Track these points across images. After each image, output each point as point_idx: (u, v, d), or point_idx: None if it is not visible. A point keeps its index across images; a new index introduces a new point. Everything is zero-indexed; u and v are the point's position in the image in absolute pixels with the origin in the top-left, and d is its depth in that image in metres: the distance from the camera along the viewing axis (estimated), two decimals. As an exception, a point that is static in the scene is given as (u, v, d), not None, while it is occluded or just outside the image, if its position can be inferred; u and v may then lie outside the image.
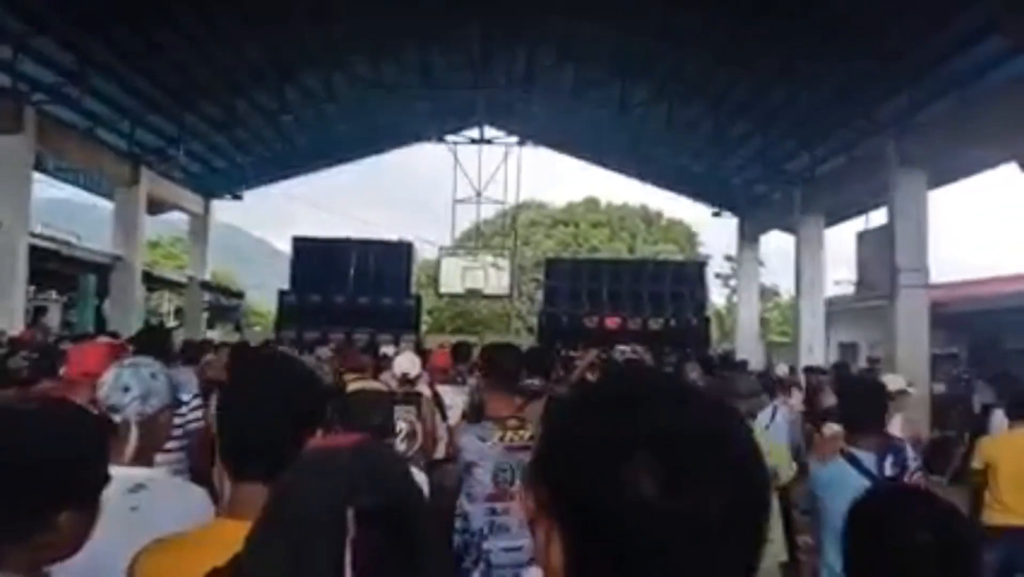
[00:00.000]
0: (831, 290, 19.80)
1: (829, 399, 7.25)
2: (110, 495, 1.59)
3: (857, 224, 17.79)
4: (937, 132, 12.72)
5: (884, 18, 11.27)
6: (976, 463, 5.79)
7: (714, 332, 24.46)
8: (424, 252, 28.78)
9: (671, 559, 0.71)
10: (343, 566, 0.89)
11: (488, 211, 26.86)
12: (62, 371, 4.69)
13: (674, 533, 0.71)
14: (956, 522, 1.72)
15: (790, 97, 15.07)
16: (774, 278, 34.35)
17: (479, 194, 23.13)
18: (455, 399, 6.28)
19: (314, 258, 20.93)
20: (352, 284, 20.45)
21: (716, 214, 23.92)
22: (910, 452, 3.78)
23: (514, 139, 23.02)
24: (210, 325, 22.92)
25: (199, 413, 4.33)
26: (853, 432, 3.81)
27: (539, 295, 26.73)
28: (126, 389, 2.21)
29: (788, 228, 19.30)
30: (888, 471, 3.64)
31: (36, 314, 17.92)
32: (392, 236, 24.69)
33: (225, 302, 23.91)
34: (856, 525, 1.75)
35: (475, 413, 5.45)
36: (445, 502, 3.85)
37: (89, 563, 1.56)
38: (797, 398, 8.95)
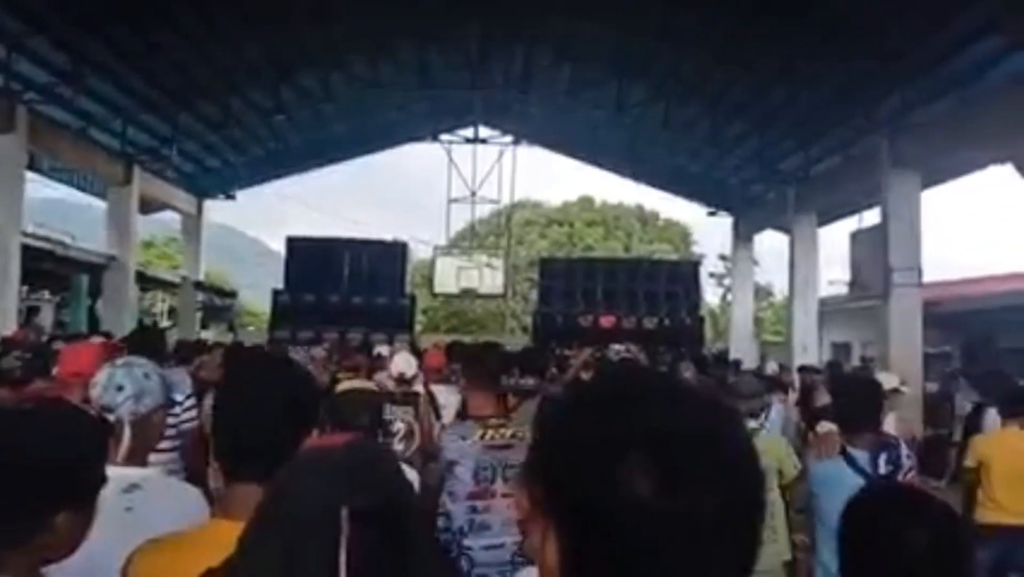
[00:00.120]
0: (825, 290, 19.84)
1: (823, 398, 7.27)
2: (105, 495, 1.59)
3: (851, 224, 17.83)
4: (932, 132, 12.74)
5: (881, 18, 11.27)
6: (969, 461, 5.82)
7: (708, 331, 24.46)
8: (419, 252, 28.80)
9: (666, 558, 0.71)
10: (337, 566, 0.89)
11: (483, 211, 26.87)
12: (55, 371, 4.68)
13: (669, 532, 0.71)
14: (950, 521, 1.73)
15: (787, 97, 15.08)
16: (768, 277, 34.43)
17: (474, 194, 23.12)
18: (449, 398, 6.28)
19: (308, 258, 20.87)
20: (346, 284, 20.39)
21: (712, 214, 23.94)
22: (904, 451, 3.79)
23: (509, 139, 23.03)
24: (204, 325, 22.85)
25: (193, 413, 4.33)
26: (848, 430, 3.81)
27: (533, 294, 26.72)
28: (119, 388, 2.20)
29: (782, 228, 19.32)
30: (882, 469, 3.65)
31: (29, 314, 17.86)
32: (386, 236, 24.68)
33: (219, 302, 23.83)
34: (850, 524, 1.75)
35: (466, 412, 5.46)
36: (428, 501, 3.86)
37: (85, 564, 1.55)
38: (791, 397, 8.98)
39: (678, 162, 22.22)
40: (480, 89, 18.49)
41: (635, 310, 20.51)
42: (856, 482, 3.29)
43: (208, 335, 20.47)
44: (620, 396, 0.79)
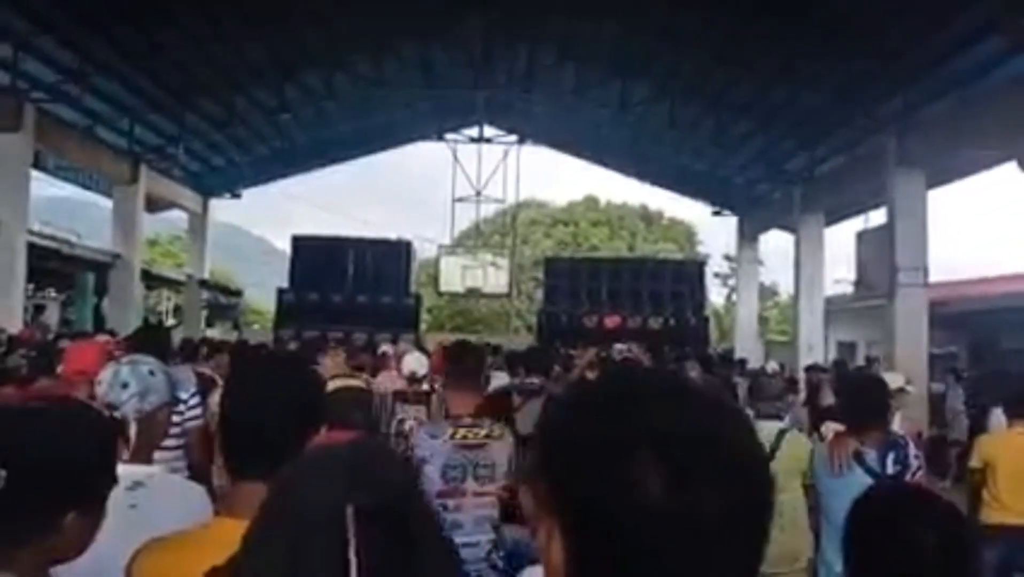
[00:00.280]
0: (830, 289, 19.83)
1: (828, 397, 7.25)
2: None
3: (857, 224, 17.81)
4: (937, 132, 12.72)
5: (884, 18, 11.26)
6: (974, 462, 5.79)
7: (713, 331, 24.45)
8: (424, 251, 28.83)
9: (671, 558, 0.71)
10: (340, 565, 0.89)
11: (488, 210, 26.90)
12: (60, 369, 4.70)
13: (674, 532, 0.71)
14: (956, 522, 1.72)
15: (791, 96, 15.07)
16: (773, 277, 34.40)
17: (478, 193, 23.15)
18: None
19: (313, 257, 20.89)
20: (351, 283, 20.41)
21: (716, 213, 23.92)
22: (912, 450, 3.78)
23: (513, 138, 23.04)
24: (209, 323, 22.91)
25: (197, 411, 4.33)
26: (857, 429, 3.80)
27: (538, 294, 26.73)
28: (124, 386, 2.21)
29: (788, 227, 19.31)
30: (890, 469, 3.64)
31: (35, 312, 17.93)
32: (391, 235, 24.69)
33: (224, 300, 23.89)
34: (856, 524, 1.75)
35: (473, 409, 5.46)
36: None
37: (93, 565, 1.55)
38: (799, 397, 8.98)
39: (682, 161, 22.20)
40: (484, 88, 18.50)
41: (640, 310, 20.51)
42: (865, 481, 3.28)
43: (213, 333, 20.50)
44: (626, 395, 0.79)
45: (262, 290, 34.91)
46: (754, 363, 14.77)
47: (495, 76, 18.49)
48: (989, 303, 17.16)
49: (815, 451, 4.08)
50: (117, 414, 2.15)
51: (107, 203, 18.87)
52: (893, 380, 5.68)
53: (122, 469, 1.74)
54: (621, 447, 0.73)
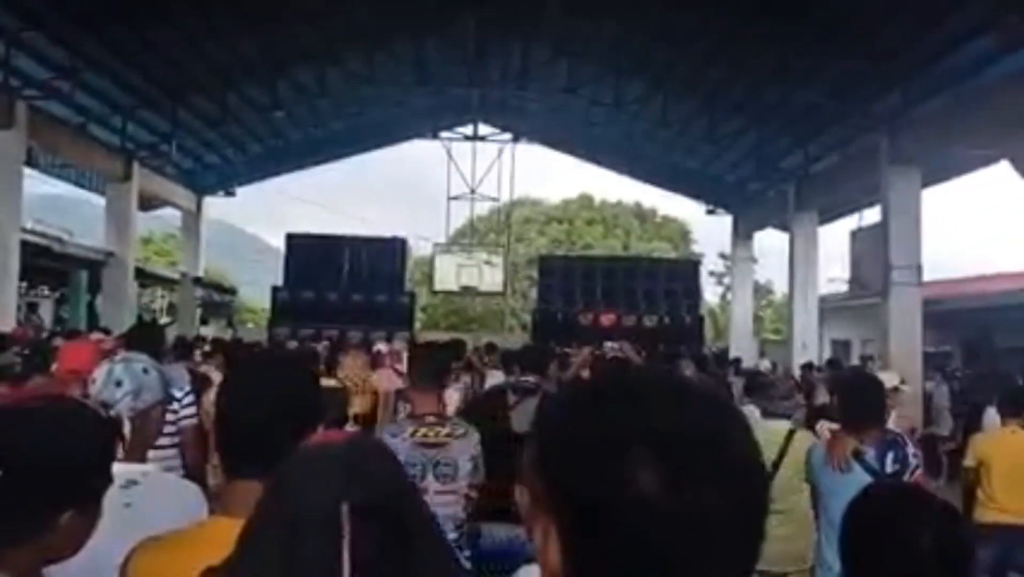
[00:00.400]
0: (825, 288, 19.88)
1: (822, 396, 7.26)
2: (103, 491, 1.58)
3: (851, 222, 17.85)
4: (930, 130, 12.76)
5: (878, 16, 11.30)
6: (968, 461, 5.81)
7: (708, 330, 24.50)
8: (419, 249, 28.81)
9: (668, 555, 0.71)
10: (336, 563, 0.89)
11: (482, 208, 26.90)
12: (54, 367, 4.69)
13: (672, 529, 0.70)
14: (953, 522, 1.72)
15: (784, 95, 15.09)
16: (768, 275, 34.42)
17: (473, 191, 23.15)
18: (452, 396, 6.31)
19: (307, 254, 20.89)
20: (346, 281, 20.42)
21: (710, 211, 23.95)
22: (911, 449, 3.79)
23: (508, 136, 23.04)
24: (203, 321, 22.86)
25: (191, 409, 4.32)
26: (854, 428, 3.80)
27: (533, 292, 26.75)
28: (118, 384, 2.20)
29: (782, 225, 19.34)
30: (889, 467, 3.64)
31: (28, 310, 17.88)
32: (386, 232, 24.65)
33: (218, 298, 23.85)
34: (853, 524, 1.75)
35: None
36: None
37: (88, 563, 1.55)
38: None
39: (676, 159, 22.25)
40: (478, 86, 18.48)
41: (635, 308, 20.55)
42: (864, 480, 3.28)
43: (207, 331, 20.47)
44: (623, 393, 0.78)
45: (256, 288, 34.86)
46: (748, 362, 14.81)
47: (489, 73, 18.49)
48: (983, 301, 17.24)
49: (813, 450, 4.08)
50: (111, 412, 2.14)
51: (100, 201, 18.82)
52: (888, 379, 5.70)
53: (116, 468, 1.73)
54: (619, 445, 0.72)
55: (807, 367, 11.74)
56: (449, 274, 22.88)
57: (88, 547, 1.52)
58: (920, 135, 13.00)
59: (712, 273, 35.61)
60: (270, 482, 1.01)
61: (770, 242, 22.98)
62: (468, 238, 27.55)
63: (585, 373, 7.10)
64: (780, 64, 13.67)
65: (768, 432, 4.60)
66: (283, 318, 19.61)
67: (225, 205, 24.92)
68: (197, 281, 22.25)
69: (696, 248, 40.40)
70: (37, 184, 19.04)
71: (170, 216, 25.68)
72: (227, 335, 18.97)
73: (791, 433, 4.50)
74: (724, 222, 23.89)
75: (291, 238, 21.37)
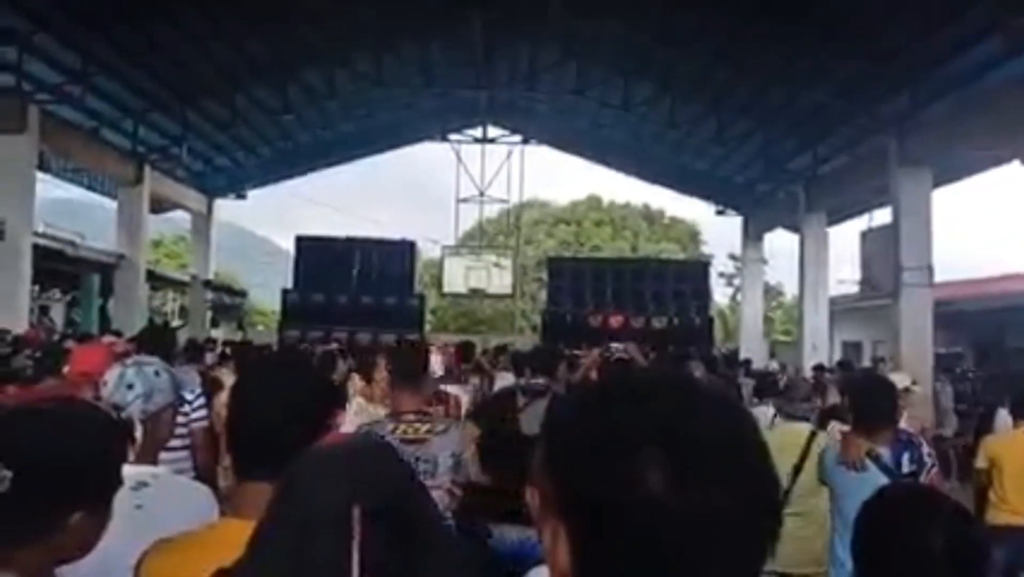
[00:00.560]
0: (835, 289, 19.81)
1: (833, 398, 7.24)
2: (114, 493, 1.59)
3: (861, 223, 17.79)
4: (940, 130, 12.70)
5: (881, 18, 11.27)
6: (980, 462, 5.78)
7: (718, 331, 24.44)
8: (428, 251, 28.85)
9: (678, 555, 0.71)
10: (346, 564, 0.89)
11: (491, 210, 26.92)
12: (65, 370, 4.71)
13: (682, 529, 0.70)
14: (966, 524, 1.72)
15: (790, 96, 15.07)
16: (778, 277, 34.32)
17: (482, 193, 23.17)
18: (462, 398, 6.32)
19: (317, 257, 20.94)
20: (355, 283, 20.45)
21: (719, 212, 23.92)
22: (925, 449, 3.78)
23: (517, 138, 23.05)
24: (213, 324, 22.92)
25: (202, 412, 4.33)
26: (866, 430, 3.79)
27: (542, 294, 26.74)
28: (130, 387, 2.21)
29: (792, 227, 19.29)
30: (905, 468, 3.64)
31: (40, 313, 17.97)
32: (395, 235, 24.69)
33: (228, 301, 23.91)
34: (867, 526, 1.74)
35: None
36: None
37: (98, 565, 1.56)
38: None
39: (684, 160, 22.24)
40: (486, 88, 18.50)
41: (644, 310, 20.51)
42: (880, 480, 3.28)
43: (218, 334, 20.54)
44: (632, 393, 0.78)
45: (267, 291, 34.96)
46: (758, 363, 14.77)
47: (497, 75, 18.52)
48: (994, 302, 17.14)
49: (826, 451, 4.07)
50: (123, 415, 2.15)
51: (112, 204, 18.91)
52: (899, 380, 5.68)
53: (127, 470, 1.74)
54: (628, 445, 0.72)
55: (818, 368, 11.69)
56: (458, 276, 22.91)
57: (99, 548, 1.53)
58: (929, 137, 12.95)
59: (722, 274, 35.55)
60: (280, 484, 1.02)
61: (780, 243, 22.94)
62: (477, 240, 27.57)
63: (594, 375, 7.10)
64: (785, 65, 13.66)
65: (790, 434, 4.59)
66: (293, 320, 19.66)
67: (236, 208, 25.04)
68: (207, 284, 22.33)
69: (705, 249, 40.31)
70: (49, 188, 19.15)
71: (181, 219, 25.76)
72: (237, 338, 19.00)
73: (813, 434, 4.49)
74: (734, 223, 23.86)
75: (300, 241, 21.43)
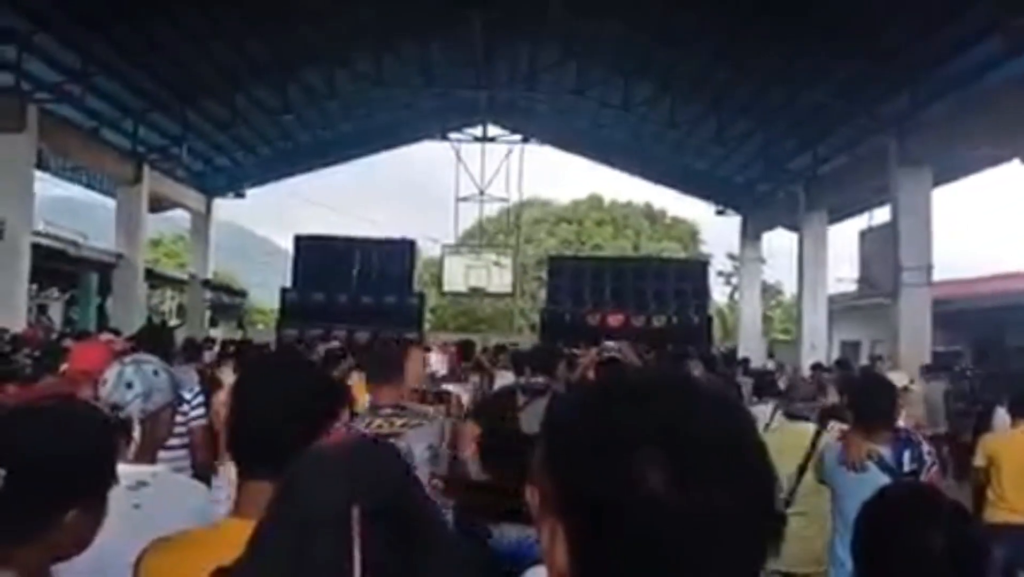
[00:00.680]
0: (834, 288, 19.81)
1: (832, 397, 7.24)
2: (113, 492, 1.59)
3: (860, 222, 17.79)
4: (940, 130, 12.71)
5: (885, 17, 11.27)
6: (978, 461, 5.79)
7: (717, 330, 24.45)
8: (428, 250, 28.84)
9: (677, 554, 0.70)
10: (346, 563, 0.89)
11: (491, 209, 26.92)
12: (64, 368, 4.71)
13: (682, 530, 0.70)
14: (966, 523, 1.72)
15: (790, 96, 15.08)
16: (777, 276, 34.33)
17: (482, 192, 23.16)
18: (462, 396, 6.33)
19: (316, 256, 20.94)
20: (355, 282, 20.45)
21: (719, 212, 23.93)
22: (925, 447, 3.79)
23: (517, 137, 23.04)
24: (212, 323, 22.93)
25: (201, 411, 4.33)
26: (865, 429, 3.79)
27: (542, 293, 26.74)
28: (129, 386, 2.20)
29: (791, 226, 19.30)
30: (906, 467, 3.65)
31: (39, 312, 17.96)
32: (396, 234, 24.69)
33: (227, 300, 23.91)
34: (867, 525, 1.74)
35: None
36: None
37: (94, 560, 1.56)
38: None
39: (684, 160, 22.26)
40: (486, 87, 18.49)
41: (644, 308, 20.52)
42: (882, 480, 3.29)
43: (217, 333, 20.53)
44: (632, 393, 0.78)
45: (266, 290, 34.93)
46: (757, 362, 14.77)
47: (497, 75, 18.51)
48: (993, 301, 17.14)
49: (826, 450, 4.07)
50: (121, 414, 2.15)
51: (111, 203, 18.92)
52: (897, 379, 5.69)
53: (126, 469, 1.74)
54: (628, 445, 0.72)
55: (816, 367, 11.68)
56: (458, 275, 22.91)
57: (96, 546, 1.53)
58: (928, 137, 12.95)
59: (721, 273, 35.57)
60: (280, 483, 1.02)
61: (779, 242, 22.96)
62: (477, 239, 27.56)
63: (591, 374, 7.10)
64: (785, 65, 13.67)
65: (793, 434, 4.59)
66: (292, 320, 19.66)
67: (235, 207, 25.07)
68: (206, 283, 22.34)
69: (705, 248, 40.33)
70: (48, 187, 19.15)
71: (180, 218, 25.77)
72: (237, 337, 18.99)
73: (818, 433, 4.49)
74: (733, 223, 23.87)
75: (299, 240, 21.44)
